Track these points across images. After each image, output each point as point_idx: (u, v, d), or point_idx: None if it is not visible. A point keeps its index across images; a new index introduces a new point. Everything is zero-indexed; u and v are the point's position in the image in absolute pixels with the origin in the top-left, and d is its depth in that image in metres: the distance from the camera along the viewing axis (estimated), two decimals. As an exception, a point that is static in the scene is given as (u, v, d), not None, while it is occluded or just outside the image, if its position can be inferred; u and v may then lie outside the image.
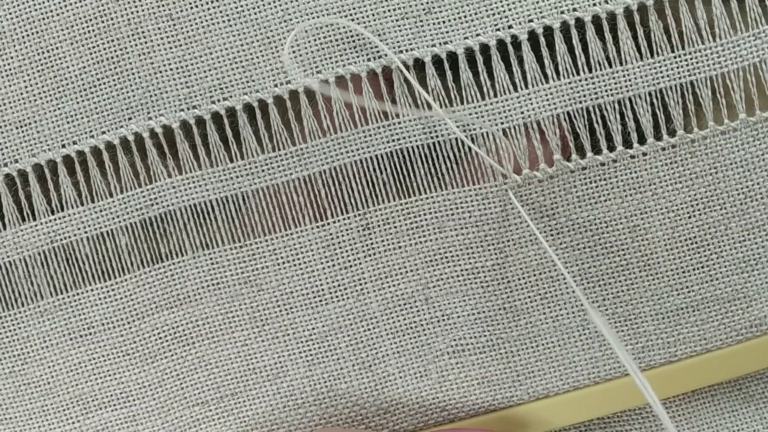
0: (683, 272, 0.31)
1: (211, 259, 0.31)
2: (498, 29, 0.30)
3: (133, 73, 0.30)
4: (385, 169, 0.31)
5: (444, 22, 0.30)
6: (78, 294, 0.31)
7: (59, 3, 0.30)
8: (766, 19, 0.30)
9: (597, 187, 0.31)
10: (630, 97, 0.30)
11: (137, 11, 0.30)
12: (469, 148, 0.30)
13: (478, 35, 0.30)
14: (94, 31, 0.30)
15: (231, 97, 0.30)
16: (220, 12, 0.30)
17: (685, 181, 0.31)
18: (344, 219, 0.31)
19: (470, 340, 0.32)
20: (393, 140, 0.30)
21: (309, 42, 0.30)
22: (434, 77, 0.30)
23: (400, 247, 0.31)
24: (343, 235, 0.31)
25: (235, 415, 0.32)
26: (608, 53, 0.30)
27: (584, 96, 0.30)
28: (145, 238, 0.31)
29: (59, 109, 0.30)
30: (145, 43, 0.30)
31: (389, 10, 0.30)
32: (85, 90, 0.30)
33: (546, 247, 0.31)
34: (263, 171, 0.31)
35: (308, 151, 0.31)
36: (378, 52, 0.30)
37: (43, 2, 0.30)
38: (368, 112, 0.30)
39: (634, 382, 0.32)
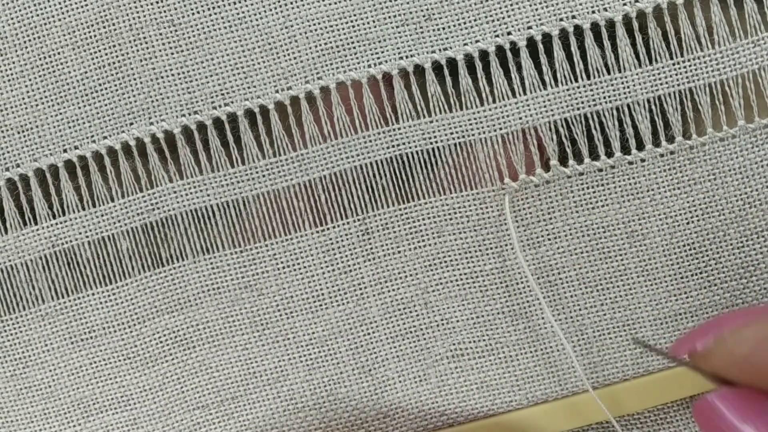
0: (681, 278, 0.31)
1: (211, 263, 0.31)
2: (497, 36, 0.30)
3: (135, 79, 0.30)
4: (385, 175, 0.31)
5: (444, 28, 0.30)
6: (79, 298, 0.31)
7: (61, 8, 0.30)
8: (765, 26, 0.30)
9: (594, 192, 0.31)
10: (628, 104, 0.30)
11: (139, 17, 0.30)
12: (468, 153, 0.31)
13: (477, 42, 0.30)
14: (95, 36, 0.30)
15: (232, 102, 0.30)
16: (222, 18, 0.30)
17: (683, 187, 0.31)
18: (344, 224, 0.31)
19: (469, 344, 0.32)
20: (393, 146, 0.31)
21: (309, 47, 0.30)
22: (434, 83, 0.30)
23: (399, 252, 0.31)
24: (342, 240, 0.31)
25: (235, 419, 0.32)
26: (607, 60, 0.30)
27: (582, 103, 0.30)
28: (146, 242, 0.31)
29: (61, 113, 0.30)
30: (147, 48, 0.30)
31: (390, 17, 0.30)
32: (86, 95, 0.30)
33: (519, 255, 0.31)
34: (264, 176, 0.31)
35: (309, 156, 0.31)
36: (378, 57, 0.30)
37: (45, 7, 0.30)
38: (368, 117, 0.31)
39: (633, 388, 0.32)
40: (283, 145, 0.31)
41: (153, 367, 0.32)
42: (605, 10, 0.30)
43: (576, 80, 0.30)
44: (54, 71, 0.30)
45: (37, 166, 0.31)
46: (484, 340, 0.32)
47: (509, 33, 0.30)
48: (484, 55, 0.30)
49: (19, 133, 0.31)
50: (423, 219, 0.31)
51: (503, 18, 0.30)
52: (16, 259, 0.31)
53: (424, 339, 0.32)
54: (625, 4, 0.30)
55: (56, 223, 0.31)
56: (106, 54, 0.30)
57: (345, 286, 0.31)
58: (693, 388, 0.32)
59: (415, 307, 0.32)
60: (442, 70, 0.30)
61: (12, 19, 0.30)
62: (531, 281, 0.31)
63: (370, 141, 0.31)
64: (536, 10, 0.30)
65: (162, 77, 0.30)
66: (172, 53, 0.30)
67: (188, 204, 0.31)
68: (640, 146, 0.31)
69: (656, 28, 0.30)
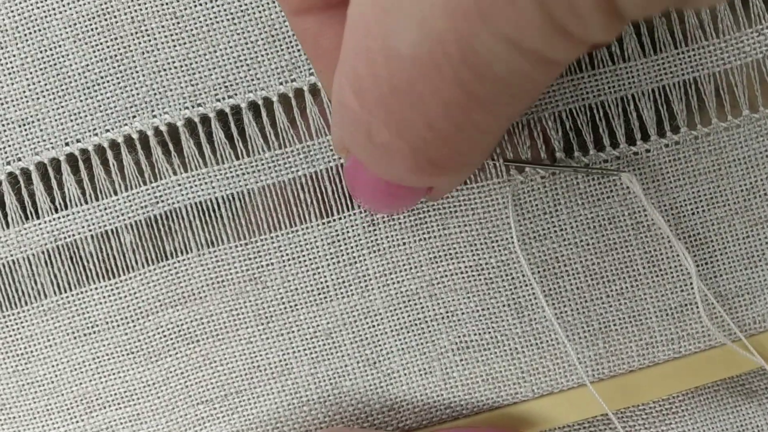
0: (687, 269, 0.31)
1: (216, 256, 0.31)
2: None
3: (137, 71, 0.30)
4: (390, 167, 0.31)
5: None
6: (82, 292, 0.31)
7: (62, 0, 0.30)
8: (769, 15, 0.30)
9: (600, 184, 0.31)
10: (633, 94, 0.30)
11: (141, 9, 0.30)
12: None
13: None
14: (97, 28, 0.30)
15: (236, 95, 0.30)
16: (225, 10, 0.30)
17: (688, 177, 0.31)
18: (349, 216, 0.31)
19: (474, 337, 0.32)
20: (397, 137, 0.30)
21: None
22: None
23: (404, 244, 0.31)
24: (348, 232, 0.31)
25: (239, 413, 0.32)
26: (611, 50, 0.30)
27: (587, 93, 0.30)
28: (150, 236, 0.31)
29: (62, 107, 0.30)
30: (149, 41, 0.30)
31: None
32: (88, 88, 0.30)
33: (517, 248, 0.31)
34: (269, 168, 0.31)
35: (314, 148, 0.31)
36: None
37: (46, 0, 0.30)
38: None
39: (638, 380, 0.32)
40: (288, 137, 0.31)
41: (157, 362, 0.32)
42: None
43: (580, 70, 0.30)
44: (55, 64, 0.30)
45: (39, 160, 0.31)
46: (489, 332, 0.32)
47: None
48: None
49: (20, 126, 0.30)
50: (428, 211, 0.31)
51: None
52: (18, 253, 0.31)
53: (429, 331, 0.32)
54: (629, -6, 0.30)
55: (58, 217, 0.31)
56: (108, 46, 0.30)
57: (350, 278, 0.31)
58: (697, 379, 0.32)
59: (421, 300, 0.32)
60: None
61: (12, 11, 0.30)
62: (528, 274, 0.31)
63: (375, 133, 0.30)
64: None
65: (165, 70, 0.30)
66: (175, 45, 0.30)
67: (192, 197, 0.31)
68: (645, 137, 0.31)
69: (661, 17, 0.30)
